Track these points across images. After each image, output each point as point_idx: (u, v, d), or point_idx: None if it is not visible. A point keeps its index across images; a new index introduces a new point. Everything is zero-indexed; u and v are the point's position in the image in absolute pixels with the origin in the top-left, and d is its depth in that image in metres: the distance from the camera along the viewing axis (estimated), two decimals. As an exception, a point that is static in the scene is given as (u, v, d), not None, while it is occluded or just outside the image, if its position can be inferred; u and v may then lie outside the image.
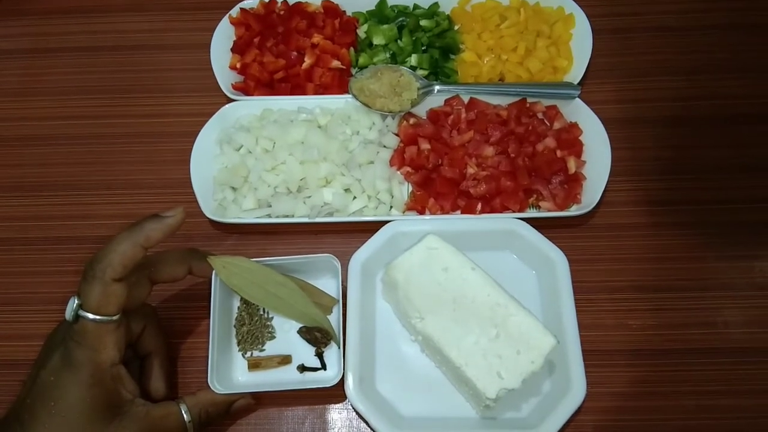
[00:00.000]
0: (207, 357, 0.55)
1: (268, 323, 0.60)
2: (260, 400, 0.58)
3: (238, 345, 0.59)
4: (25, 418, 0.45)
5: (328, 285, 0.61)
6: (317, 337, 0.58)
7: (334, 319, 0.59)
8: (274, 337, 0.60)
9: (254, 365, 0.58)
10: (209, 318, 0.57)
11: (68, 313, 0.46)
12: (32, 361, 0.50)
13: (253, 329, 0.59)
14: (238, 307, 0.61)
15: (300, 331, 0.59)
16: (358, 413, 0.55)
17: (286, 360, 0.59)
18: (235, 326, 0.60)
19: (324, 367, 0.58)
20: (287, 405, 0.58)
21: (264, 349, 0.59)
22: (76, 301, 0.46)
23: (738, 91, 0.72)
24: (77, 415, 0.45)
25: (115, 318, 0.47)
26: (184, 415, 0.51)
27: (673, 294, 0.61)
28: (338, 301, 0.59)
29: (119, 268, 0.46)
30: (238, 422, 0.57)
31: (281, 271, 0.58)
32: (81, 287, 0.46)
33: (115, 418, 0.47)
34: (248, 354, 0.59)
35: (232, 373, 0.58)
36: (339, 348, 0.56)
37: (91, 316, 0.45)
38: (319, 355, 0.58)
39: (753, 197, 0.66)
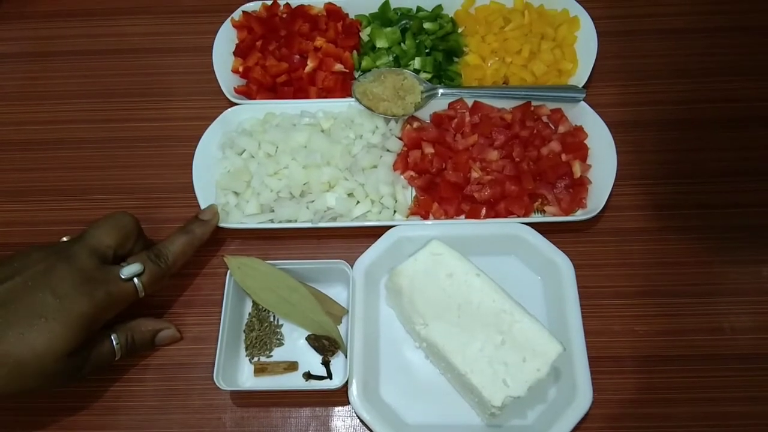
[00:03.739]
0: (213, 360, 0.55)
1: (278, 330, 0.60)
2: (265, 407, 0.58)
3: (246, 350, 0.59)
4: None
5: (338, 294, 0.61)
6: (325, 345, 0.57)
7: (342, 328, 0.59)
8: (282, 344, 0.60)
9: (260, 370, 0.58)
10: (219, 325, 0.57)
11: (127, 273, 0.52)
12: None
13: (262, 335, 0.59)
14: (249, 313, 0.61)
15: (308, 338, 0.59)
16: (362, 421, 0.55)
17: (292, 367, 0.58)
18: (244, 331, 0.60)
19: (330, 376, 0.57)
20: (291, 412, 0.57)
21: (271, 356, 0.59)
22: (140, 269, 0.53)
23: (745, 94, 0.71)
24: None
25: (141, 296, 0.54)
26: (113, 340, 0.54)
27: (680, 299, 0.60)
28: (348, 311, 0.59)
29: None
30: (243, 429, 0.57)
31: (292, 276, 0.58)
32: (148, 265, 0.54)
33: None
34: (255, 359, 0.59)
35: (238, 376, 0.58)
36: (346, 358, 0.56)
37: (139, 286, 0.53)
38: (326, 363, 0.58)
39: (760, 201, 0.65)
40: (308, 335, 0.59)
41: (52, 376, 0.48)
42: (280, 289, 0.58)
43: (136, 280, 0.53)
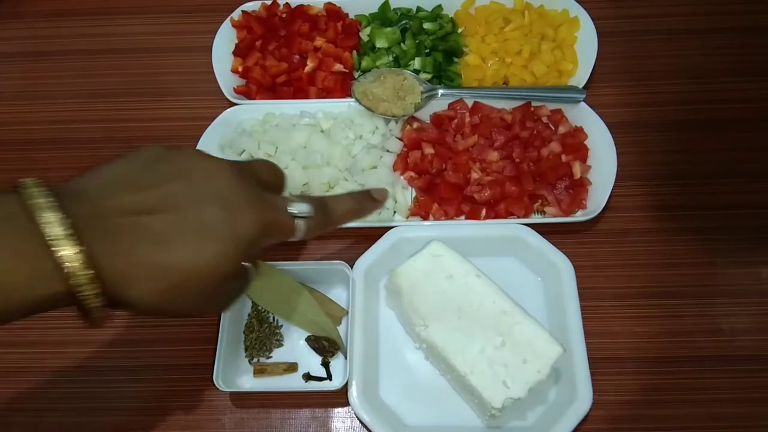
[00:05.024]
0: (213, 362, 0.55)
1: (277, 331, 0.60)
2: (264, 408, 0.57)
3: (246, 351, 0.59)
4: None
5: (338, 295, 0.61)
6: (325, 346, 0.57)
7: (342, 329, 0.59)
8: (282, 345, 0.60)
9: (260, 371, 0.58)
10: (218, 326, 0.57)
11: (297, 209, 0.44)
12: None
13: (261, 336, 0.59)
14: (249, 314, 0.61)
15: (308, 339, 0.59)
16: (361, 422, 0.55)
17: (291, 368, 0.58)
18: (244, 332, 0.60)
19: (330, 377, 0.57)
20: (291, 413, 0.57)
21: (271, 356, 0.59)
22: (310, 211, 0.45)
23: (746, 95, 0.71)
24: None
25: (295, 239, 0.46)
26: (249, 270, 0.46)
27: (681, 300, 0.60)
28: (348, 312, 0.59)
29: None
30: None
31: (291, 277, 0.58)
32: (318, 215, 0.46)
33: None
34: (255, 360, 0.59)
35: (238, 378, 0.58)
36: (346, 359, 0.56)
37: (301, 227, 0.45)
38: (326, 365, 0.58)
39: (761, 202, 0.65)
40: (308, 336, 0.59)
41: (209, 299, 0.42)
42: (281, 290, 0.58)
43: (299, 220, 0.46)
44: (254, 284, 0.56)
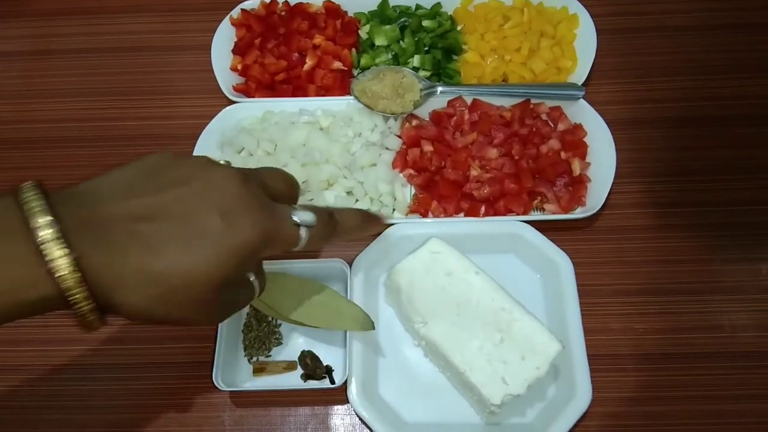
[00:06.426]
0: (212, 360, 0.55)
1: (276, 329, 0.60)
2: (264, 406, 0.58)
3: (245, 350, 0.59)
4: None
5: None
6: (316, 371, 0.57)
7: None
8: (281, 344, 0.60)
9: (259, 370, 0.58)
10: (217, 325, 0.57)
11: (300, 218, 0.44)
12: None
13: (261, 335, 0.59)
14: (248, 314, 0.61)
15: (300, 358, 0.58)
16: (361, 419, 0.55)
17: (291, 366, 0.58)
18: (243, 331, 0.60)
19: (332, 381, 0.57)
20: (290, 411, 0.57)
21: (270, 355, 0.59)
22: (313, 220, 0.44)
23: (745, 92, 0.71)
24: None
25: (298, 248, 0.45)
26: (249, 276, 0.45)
27: (680, 297, 0.60)
28: None
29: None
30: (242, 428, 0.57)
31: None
32: (321, 220, 0.45)
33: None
34: (254, 359, 0.59)
35: (237, 376, 0.58)
36: (345, 353, 0.56)
37: (303, 237, 0.44)
38: (329, 372, 0.58)
39: (761, 199, 0.65)
40: (300, 354, 0.58)
41: (205, 308, 0.42)
42: (301, 293, 0.54)
43: (303, 230, 0.45)
44: (273, 295, 0.53)
